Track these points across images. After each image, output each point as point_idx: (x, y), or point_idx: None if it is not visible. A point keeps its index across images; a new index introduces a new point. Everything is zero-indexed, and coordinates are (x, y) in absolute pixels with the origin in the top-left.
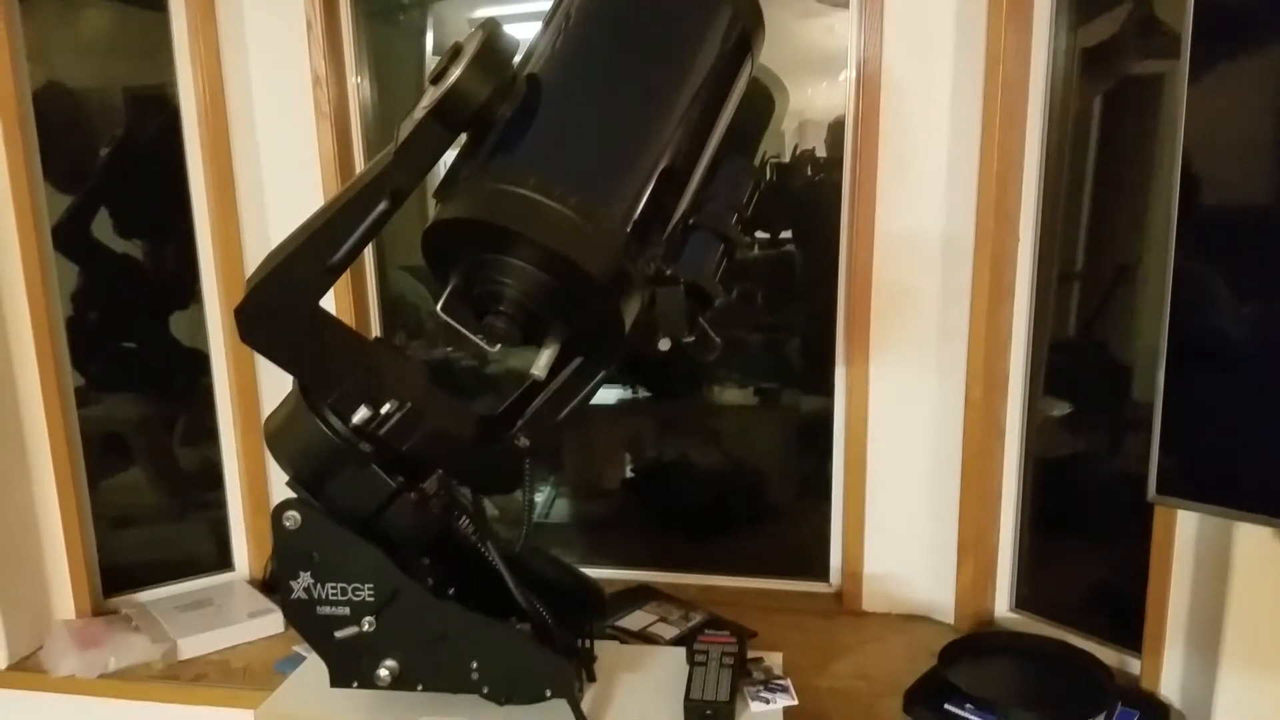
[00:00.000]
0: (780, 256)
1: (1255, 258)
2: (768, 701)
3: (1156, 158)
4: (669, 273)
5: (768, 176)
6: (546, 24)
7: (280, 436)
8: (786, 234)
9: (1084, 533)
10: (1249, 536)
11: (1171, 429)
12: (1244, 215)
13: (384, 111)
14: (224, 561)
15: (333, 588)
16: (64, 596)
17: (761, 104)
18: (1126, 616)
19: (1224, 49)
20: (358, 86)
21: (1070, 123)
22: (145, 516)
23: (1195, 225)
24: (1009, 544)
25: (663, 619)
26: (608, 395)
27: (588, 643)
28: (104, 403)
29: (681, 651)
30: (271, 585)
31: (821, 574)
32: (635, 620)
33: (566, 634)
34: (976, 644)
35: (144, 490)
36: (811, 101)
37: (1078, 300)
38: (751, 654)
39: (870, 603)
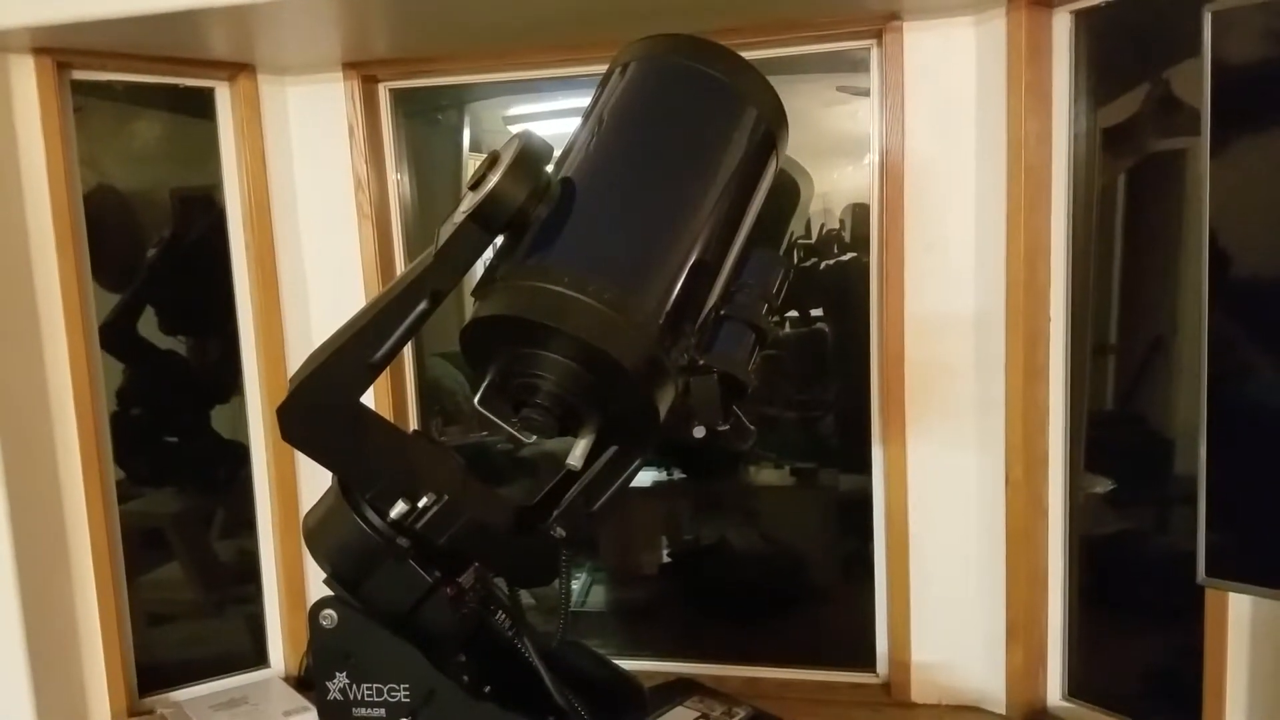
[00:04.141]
0: (811, 334)
1: None
2: None
3: (1184, 230)
4: (701, 363)
5: (795, 259)
6: (584, 121)
7: (318, 533)
8: (817, 311)
9: (1136, 613)
10: None
11: (1218, 507)
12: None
13: (423, 207)
14: (259, 657)
15: (369, 688)
16: (100, 698)
17: (788, 192)
18: (1184, 701)
19: (1243, 122)
20: (398, 184)
21: (1096, 199)
22: (182, 612)
23: (1227, 296)
24: (1059, 628)
25: (705, 715)
26: (644, 477)
27: None
28: (144, 497)
29: None
30: (306, 682)
31: (868, 662)
32: (677, 717)
33: None
34: None
35: (181, 585)
36: (838, 185)
37: (1115, 375)
38: None
39: (919, 692)
